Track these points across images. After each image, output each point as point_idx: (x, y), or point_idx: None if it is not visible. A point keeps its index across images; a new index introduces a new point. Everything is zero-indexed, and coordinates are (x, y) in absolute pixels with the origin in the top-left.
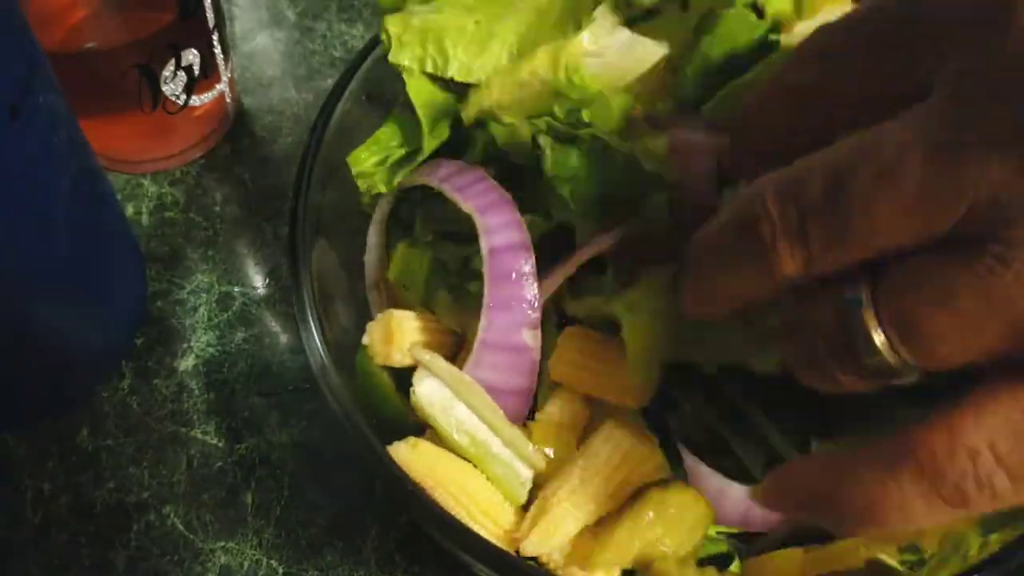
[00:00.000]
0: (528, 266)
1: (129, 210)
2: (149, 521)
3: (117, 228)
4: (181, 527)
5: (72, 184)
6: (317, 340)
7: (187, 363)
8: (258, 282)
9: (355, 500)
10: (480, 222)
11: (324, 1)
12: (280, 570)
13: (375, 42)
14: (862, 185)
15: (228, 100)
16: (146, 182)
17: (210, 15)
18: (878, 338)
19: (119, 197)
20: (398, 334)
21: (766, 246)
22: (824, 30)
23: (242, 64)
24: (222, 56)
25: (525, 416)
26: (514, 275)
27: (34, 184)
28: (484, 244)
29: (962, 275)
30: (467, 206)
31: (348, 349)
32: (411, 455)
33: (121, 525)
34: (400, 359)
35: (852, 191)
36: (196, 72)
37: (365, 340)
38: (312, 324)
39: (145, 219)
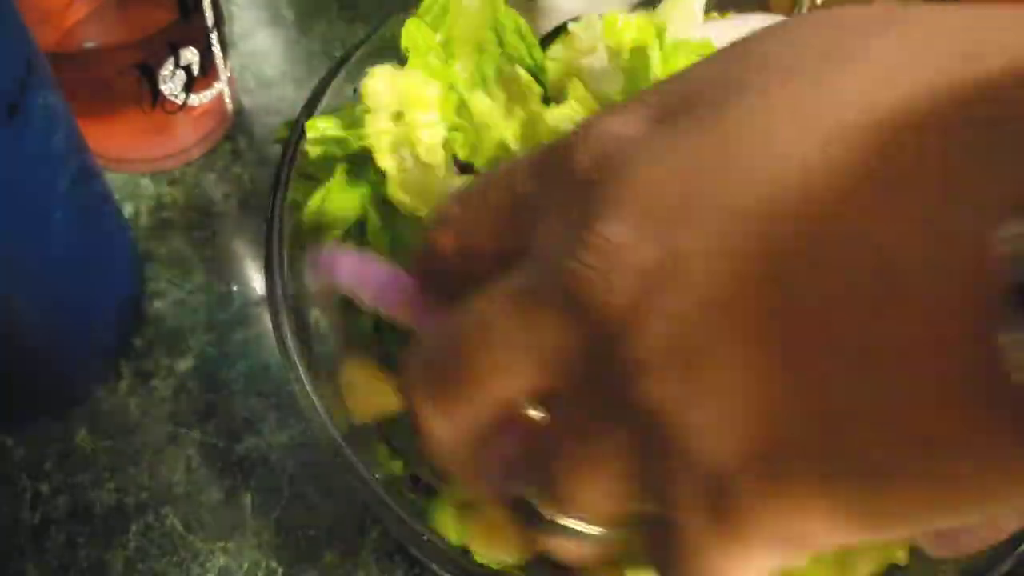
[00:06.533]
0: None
1: (127, 210)
2: (148, 522)
3: (115, 228)
4: (180, 528)
5: (70, 184)
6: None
7: (186, 363)
8: (257, 282)
9: (355, 501)
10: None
11: (324, 0)
12: (279, 571)
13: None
14: (468, 339)
15: (227, 99)
16: (144, 181)
17: (209, 14)
18: None
19: (117, 197)
20: (359, 391)
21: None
22: (454, 200)
23: (241, 63)
24: (221, 55)
25: None
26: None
27: (32, 184)
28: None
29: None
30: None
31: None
32: None
33: (120, 526)
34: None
35: (464, 348)
36: (195, 71)
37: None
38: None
39: (144, 219)
